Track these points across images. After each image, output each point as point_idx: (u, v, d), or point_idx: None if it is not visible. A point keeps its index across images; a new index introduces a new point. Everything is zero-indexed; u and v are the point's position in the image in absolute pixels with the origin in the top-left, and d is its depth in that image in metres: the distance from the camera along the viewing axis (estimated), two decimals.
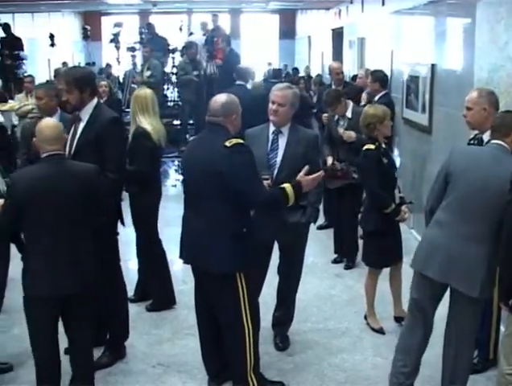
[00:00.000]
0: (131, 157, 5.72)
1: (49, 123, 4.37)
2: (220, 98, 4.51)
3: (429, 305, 4.41)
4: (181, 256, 4.61)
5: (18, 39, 15.67)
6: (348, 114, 7.22)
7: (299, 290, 5.49)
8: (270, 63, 21.57)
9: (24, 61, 15.43)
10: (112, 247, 5.08)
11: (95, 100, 4.98)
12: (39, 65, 18.39)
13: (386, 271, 5.86)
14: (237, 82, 9.69)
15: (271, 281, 5.38)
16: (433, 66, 7.76)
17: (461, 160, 4.28)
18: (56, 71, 12.19)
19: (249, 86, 9.92)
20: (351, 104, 7.36)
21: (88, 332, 4.52)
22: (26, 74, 13.11)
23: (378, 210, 5.59)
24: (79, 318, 4.38)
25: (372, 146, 5.61)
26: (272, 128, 5.13)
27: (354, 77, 10.93)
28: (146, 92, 6.09)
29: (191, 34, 16.35)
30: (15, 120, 10.82)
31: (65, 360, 4.49)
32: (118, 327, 5.23)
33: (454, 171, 4.24)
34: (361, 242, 6.98)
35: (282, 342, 5.45)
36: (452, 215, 4.23)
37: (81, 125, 4.88)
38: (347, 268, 7.28)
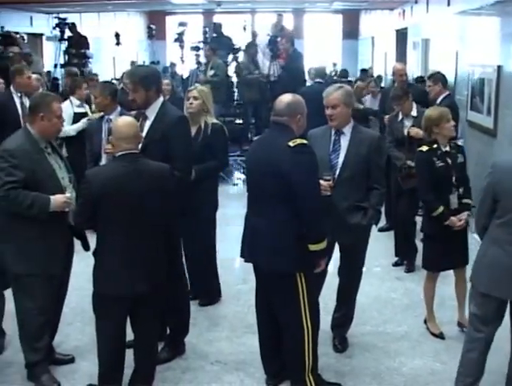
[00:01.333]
0: (207, 152, 5.82)
1: (127, 121, 4.43)
2: (285, 98, 4.52)
3: (493, 321, 4.35)
4: (242, 255, 4.64)
5: (85, 38, 15.95)
6: (414, 113, 7.16)
7: (359, 292, 5.46)
8: (335, 64, 21.44)
9: (90, 60, 15.69)
10: (176, 245, 5.15)
11: (161, 99, 5.04)
12: (105, 64, 18.70)
13: (446, 274, 5.78)
14: (316, 80, 10.06)
15: (332, 282, 5.37)
16: (499, 67, 7.64)
17: (508, 179, 4.16)
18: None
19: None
20: (415, 104, 7.30)
21: (154, 328, 4.63)
22: (91, 72, 13.35)
23: (427, 213, 5.54)
24: (147, 315, 4.47)
25: (424, 148, 5.54)
26: (334, 128, 5.12)
27: (418, 79, 10.80)
28: (209, 89, 6.17)
29: (254, 33, 16.37)
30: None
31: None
32: (179, 324, 5.28)
33: (503, 192, 4.15)
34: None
35: (340, 343, 5.43)
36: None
37: (147, 124, 4.95)
38: (407, 271, 7.20)
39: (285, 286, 4.41)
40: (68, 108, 8.06)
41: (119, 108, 6.09)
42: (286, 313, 4.49)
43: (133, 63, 17.17)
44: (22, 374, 4.99)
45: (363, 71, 16.93)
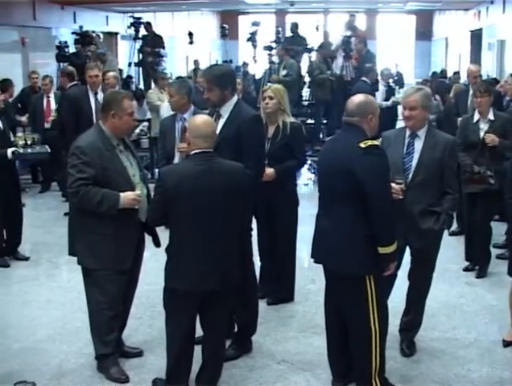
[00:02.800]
0: (286, 151, 5.85)
1: (205, 120, 4.47)
2: (357, 98, 4.50)
3: None
4: (312, 256, 4.64)
5: (159, 37, 16.19)
6: (491, 116, 7.02)
7: (429, 297, 5.38)
8: (396, 65, 21.11)
9: (164, 58, 15.92)
10: (247, 243, 5.17)
11: (235, 98, 5.07)
12: (178, 62, 18.94)
13: None
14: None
15: (401, 285, 5.32)
16: None
17: None
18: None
19: None
20: (491, 108, 7.15)
21: (224, 326, 4.66)
22: (165, 71, 13.54)
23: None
24: (217, 312, 4.50)
25: None
26: (408, 131, 5.07)
27: (492, 81, 10.59)
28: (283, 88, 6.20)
29: (326, 33, 16.33)
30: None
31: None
32: (247, 322, 5.30)
33: None
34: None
35: (408, 348, 5.36)
36: None
37: (221, 122, 4.98)
38: (478, 276, 7.07)
39: (354, 288, 4.39)
40: None
41: (193, 108, 6.15)
42: (354, 315, 4.47)
43: (196, 62, 17.33)
44: (93, 365, 5.10)
45: (434, 74, 16.70)
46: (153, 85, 11.64)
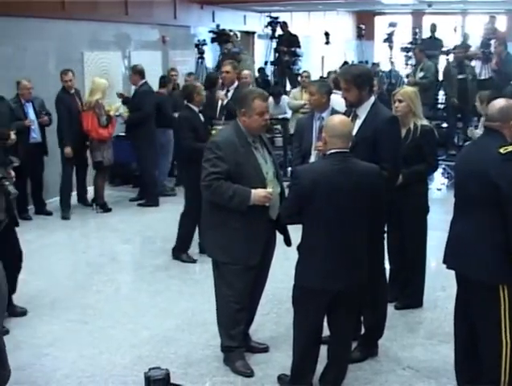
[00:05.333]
0: (416, 154, 5.80)
1: (343, 119, 4.47)
2: (499, 103, 4.35)
3: None
4: (444, 261, 4.53)
5: (295, 37, 16.28)
6: None
7: None
8: None
9: (300, 58, 15.99)
10: (379, 245, 5.13)
11: (372, 98, 5.03)
12: (313, 62, 18.97)
13: None
14: None
15: None
16: None
17: None
18: (330, 72, 12.50)
19: None
20: None
21: (351, 327, 4.64)
22: (301, 70, 13.59)
23: None
24: (344, 312, 4.48)
25: None
26: None
27: None
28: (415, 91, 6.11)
29: (465, 35, 15.90)
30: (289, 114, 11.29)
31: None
32: (375, 325, 5.26)
33: None
34: None
35: None
36: None
37: (358, 122, 4.95)
38: None
39: (486, 297, 4.25)
40: None
41: (331, 107, 6.17)
42: (484, 325, 4.32)
43: (346, 63, 17.28)
44: (219, 357, 5.21)
45: None
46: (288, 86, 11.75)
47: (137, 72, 10.14)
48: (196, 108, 7.59)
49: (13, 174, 5.67)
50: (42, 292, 6.50)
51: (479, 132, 7.89)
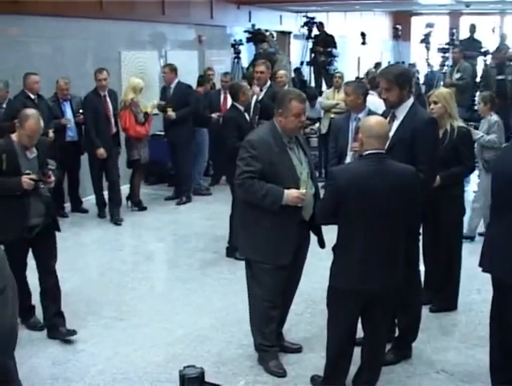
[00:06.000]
0: (452, 156, 5.76)
1: (380, 120, 4.45)
2: None
3: None
4: (480, 264, 4.49)
5: (331, 37, 16.24)
6: None
7: None
8: None
9: (336, 58, 15.95)
10: (414, 247, 5.10)
11: (411, 100, 5.00)
12: (349, 62, 18.92)
13: None
14: None
15: None
16: None
17: None
18: (368, 72, 12.45)
19: None
20: None
21: (385, 329, 4.62)
22: (336, 70, 13.56)
23: None
24: (379, 314, 4.46)
25: None
26: None
27: None
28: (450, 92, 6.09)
29: (503, 36, 15.75)
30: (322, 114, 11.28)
31: None
32: (409, 327, 5.23)
33: None
34: None
35: None
36: None
37: (396, 124, 4.92)
38: None
39: None
40: None
41: (368, 108, 6.16)
42: None
43: (378, 64, 17.20)
44: (252, 356, 5.24)
45: None
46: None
47: (173, 70, 10.20)
48: (241, 108, 7.60)
49: (53, 178, 5.49)
50: (77, 289, 6.57)
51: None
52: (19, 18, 9.31)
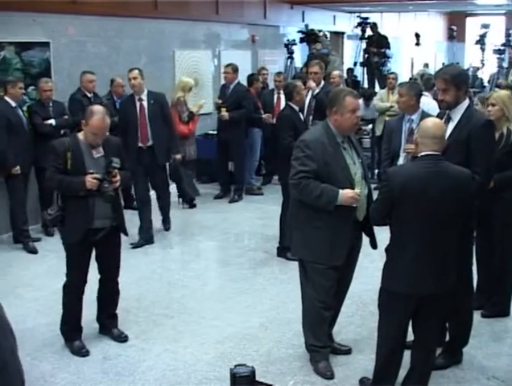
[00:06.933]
0: (509, 160, 5.69)
1: (437, 122, 4.41)
2: None
3: None
4: None
5: (385, 38, 16.15)
6: None
7: None
8: None
9: (389, 59, 15.86)
10: (467, 251, 5.05)
11: (467, 101, 4.94)
12: (402, 63, 18.77)
13: None
14: None
15: None
16: None
17: None
18: (423, 73, 12.35)
19: None
20: None
21: (435, 332, 4.57)
22: (390, 71, 13.48)
23: None
24: (430, 317, 4.42)
25: None
26: None
27: None
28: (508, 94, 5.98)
29: None
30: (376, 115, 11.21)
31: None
32: (460, 332, 5.17)
33: None
34: None
35: None
36: None
37: (451, 125, 4.86)
38: None
39: None
40: None
41: (421, 109, 6.12)
42: None
43: (426, 65, 17.05)
44: (301, 356, 5.25)
45: None
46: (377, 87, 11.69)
47: (235, 71, 10.28)
48: (296, 107, 7.59)
49: (118, 177, 5.26)
50: (129, 286, 6.63)
51: None
52: (77, 18, 9.48)
